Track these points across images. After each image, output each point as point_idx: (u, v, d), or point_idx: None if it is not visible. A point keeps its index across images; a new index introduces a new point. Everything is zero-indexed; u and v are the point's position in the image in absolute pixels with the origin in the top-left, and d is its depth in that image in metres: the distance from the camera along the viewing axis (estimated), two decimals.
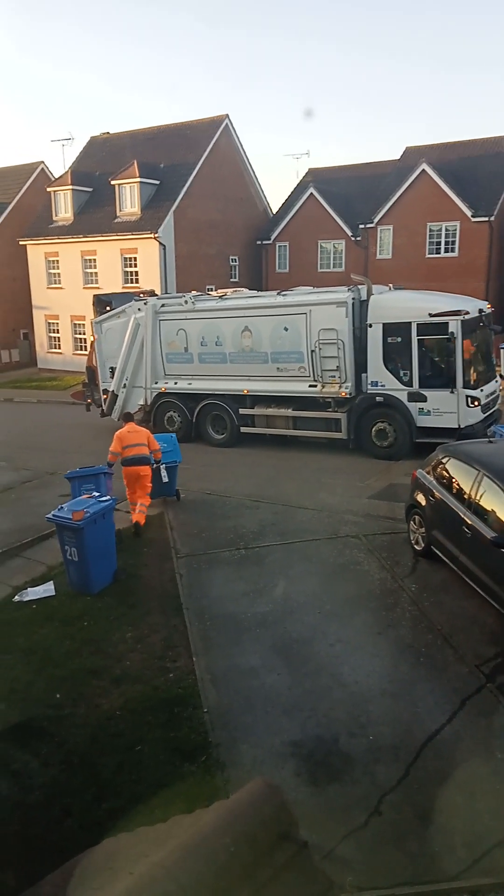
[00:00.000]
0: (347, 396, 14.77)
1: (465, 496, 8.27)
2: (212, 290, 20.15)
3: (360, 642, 7.40)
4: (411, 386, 14.11)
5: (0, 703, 6.58)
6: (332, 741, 5.88)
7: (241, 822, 2.41)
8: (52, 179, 34.01)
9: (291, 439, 15.93)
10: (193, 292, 17.98)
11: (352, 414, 14.79)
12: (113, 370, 18.08)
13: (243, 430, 16.29)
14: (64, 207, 31.36)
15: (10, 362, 34.82)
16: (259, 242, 32.31)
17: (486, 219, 26.61)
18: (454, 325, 13.47)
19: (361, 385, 14.76)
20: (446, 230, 27.18)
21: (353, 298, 14.64)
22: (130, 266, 29.26)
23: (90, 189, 31.40)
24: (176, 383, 17.23)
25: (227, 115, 30.97)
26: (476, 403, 13.71)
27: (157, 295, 19.58)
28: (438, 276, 24.27)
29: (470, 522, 7.96)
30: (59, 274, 31.83)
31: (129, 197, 29.16)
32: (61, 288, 31.75)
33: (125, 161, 30.01)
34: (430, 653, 7.14)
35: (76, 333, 31.57)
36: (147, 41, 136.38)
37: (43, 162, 36.22)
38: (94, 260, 30.34)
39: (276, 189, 76.09)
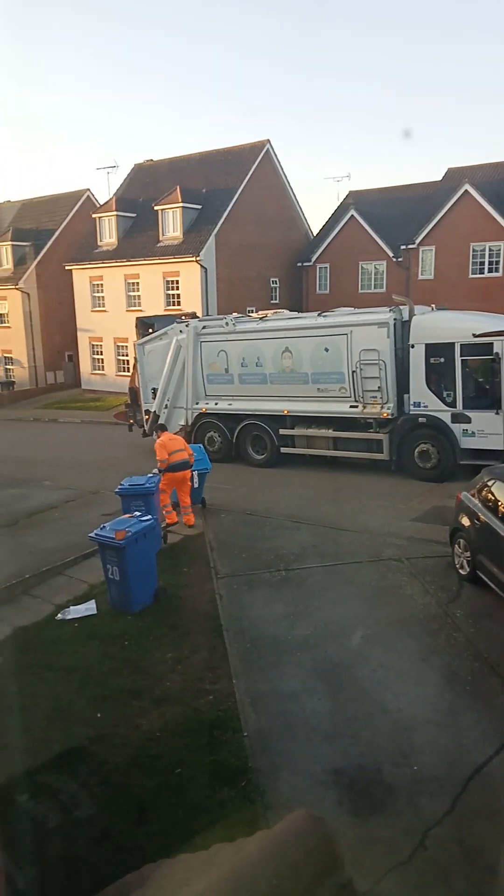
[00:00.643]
0: (389, 417, 14.64)
1: None
2: (252, 311, 20.30)
3: (404, 668, 7.23)
4: (455, 407, 13.93)
5: (42, 721, 6.61)
6: (375, 770, 5.73)
7: (285, 854, 2.34)
8: (98, 206, 34.82)
9: (332, 460, 15.83)
10: (234, 314, 18.13)
11: (394, 435, 14.65)
12: (155, 391, 18.28)
13: (283, 450, 16.26)
14: (108, 233, 32.05)
15: (55, 383, 35.53)
16: (299, 264, 32.46)
17: None
18: (499, 346, 13.28)
19: (404, 406, 14.63)
20: (490, 250, 26.92)
21: (394, 319, 14.57)
22: (172, 289, 29.67)
23: (134, 214, 32.05)
24: (216, 404, 17.32)
25: (269, 141, 31.39)
26: None
27: (198, 317, 19.79)
28: (482, 296, 24.00)
29: None
30: (103, 297, 32.46)
31: (172, 221, 29.66)
32: (105, 311, 32.35)
33: (168, 187, 30.59)
34: (477, 681, 6.93)
35: (119, 355, 32.05)
36: (190, 75, 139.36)
37: (89, 189, 37.21)
38: (137, 283, 30.86)
39: (316, 211, 76.76)
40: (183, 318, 19.00)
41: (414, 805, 5.33)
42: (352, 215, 30.57)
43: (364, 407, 14.93)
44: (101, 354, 33.11)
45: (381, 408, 14.70)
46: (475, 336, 13.56)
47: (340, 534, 11.41)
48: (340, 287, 30.83)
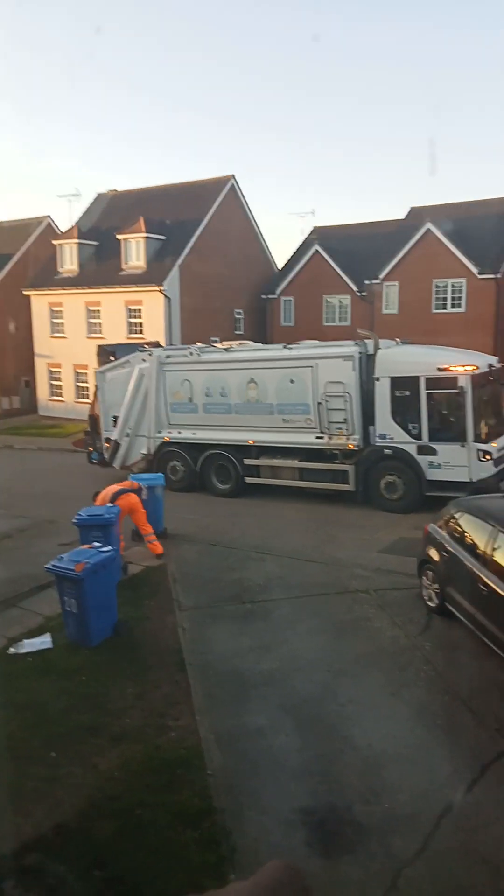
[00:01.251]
0: (355, 448, 14.64)
1: (480, 552, 8.02)
2: (216, 341, 20.27)
3: (373, 703, 7.05)
4: (420, 439, 14.00)
5: None
6: (345, 809, 5.52)
7: None
8: (58, 233, 34.65)
9: (297, 491, 15.73)
10: (198, 344, 18.06)
11: (360, 466, 14.64)
12: (116, 419, 18.02)
13: (248, 480, 16.11)
14: (70, 260, 31.87)
15: (10, 409, 34.83)
16: (264, 297, 32.75)
17: (493, 276, 27.04)
18: (463, 380, 13.45)
19: (369, 437, 14.66)
20: (452, 286, 27.57)
21: (359, 352, 14.67)
22: (135, 317, 29.57)
23: (96, 243, 31.99)
24: (180, 433, 17.13)
25: (233, 176, 31.83)
26: (488, 457, 13.56)
27: (161, 346, 19.68)
28: (445, 331, 24.46)
29: (486, 579, 7.70)
30: (62, 324, 32.15)
31: (136, 251, 29.68)
32: (64, 337, 32.01)
33: (131, 217, 30.66)
34: (448, 715, 6.80)
35: (78, 382, 31.68)
36: (153, 103, 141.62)
37: (49, 216, 36.97)
38: (99, 311, 30.69)
39: (281, 245, 77.90)
40: (146, 346, 18.88)
41: (385, 845, 5.14)
42: (316, 250, 31.06)
43: (330, 438, 14.92)
44: (60, 380, 32.67)
45: (347, 439, 14.70)
46: (440, 370, 13.71)
47: (307, 565, 11.25)
48: (305, 320, 31.15)
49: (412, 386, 14.02)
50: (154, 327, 28.54)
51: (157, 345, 19.75)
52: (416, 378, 13.96)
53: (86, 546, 9.22)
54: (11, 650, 8.42)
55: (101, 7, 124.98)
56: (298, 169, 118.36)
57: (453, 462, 13.63)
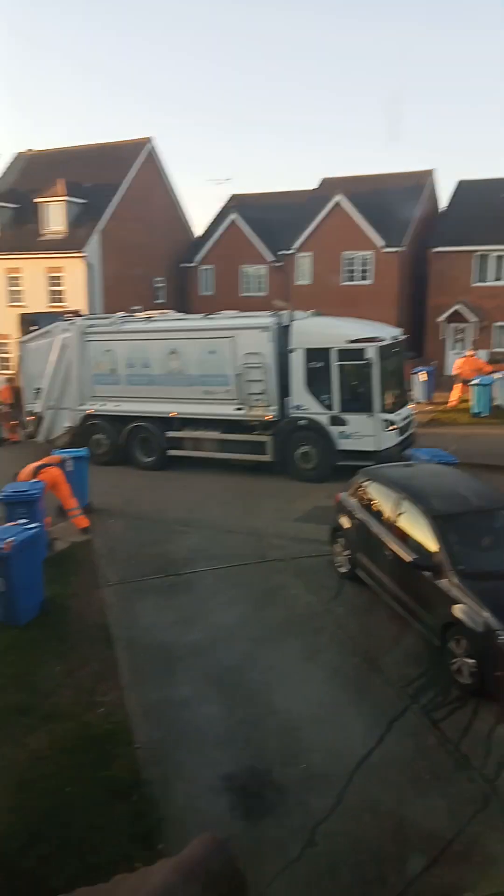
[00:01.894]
0: (272, 420, 14.98)
1: (386, 519, 8.54)
2: (138, 310, 20.07)
3: (291, 669, 7.49)
4: (332, 410, 14.45)
5: None
6: (266, 772, 5.91)
7: (189, 884, 2.41)
8: None
9: (219, 462, 15.98)
10: (121, 313, 17.85)
11: (277, 437, 14.99)
12: (39, 391, 17.71)
13: (171, 452, 16.22)
14: None
15: None
16: (183, 265, 32.44)
17: (397, 249, 27.81)
18: (371, 352, 13.92)
19: (285, 409, 15.00)
20: (362, 259, 28.22)
21: (276, 324, 14.89)
22: (56, 285, 28.77)
23: (15, 205, 30.73)
24: (104, 405, 16.99)
25: (151, 139, 31.10)
26: (392, 427, 14.18)
27: (83, 315, 19.33)
28: (354, 302, 25.00)
29: (391, 545, 8.22)
30: None
31: (55, 215, 28.79)
32: None
33: (50, 179, 29.56)
34: (358, 676, 7.31)
35: (1, 352, 30.69)
36: (69, 59, 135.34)
37: None
38: (19, 278, 29.68)
39: (200, 213, 76.59)
40: (68, 315, 18.49)
41: (303, 803, 5.56)
42: (233, 219, 30.96)
43: (249, 409, 15.18)
44: None
45: (265, 410, 15.00)
46: (350, 342, 14.13)
47: (228, 536, 11.59)
48: (223, 289, 31.14)
49: (324, 357, 14.39)
50: (76, 295, 27.89)
51: (78, 314, 19.37)
52: (328, 350, 14.33)
53: (11, 524, 9.20)
54: None
55: None
56: (216, 133, 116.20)
57: (362, 432, 14.16)
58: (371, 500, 9.10)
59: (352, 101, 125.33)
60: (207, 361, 15.51)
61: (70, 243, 28.18)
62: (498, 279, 28.16)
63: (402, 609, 8.06)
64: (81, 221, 28.67)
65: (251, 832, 5.29)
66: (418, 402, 20.84)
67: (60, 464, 11.98)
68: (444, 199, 32.54)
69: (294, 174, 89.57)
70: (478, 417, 20.69)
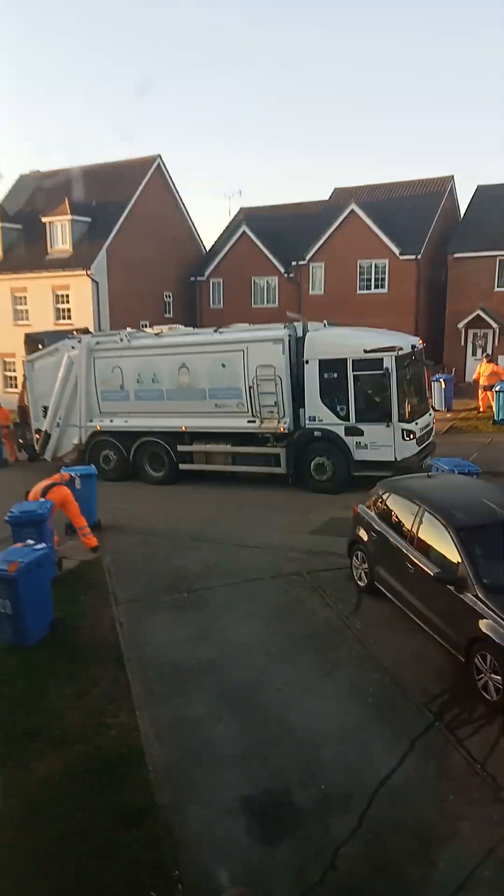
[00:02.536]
0: (286, 431, 14.81)
1: (407, 531, 8.32)
2: (146, 326, 20.06)
3: (308, 685, 7.26)
4: (348, 420, 14.27)
5: None
6: (284, 793, 5.69)
7: None
8: None
9: (231, 476, 15.83)
10: (129, 329, 17.82)
11: (290, 449, 14.82)
12: (46, 409, 17.68)
13: (182, 466, 16.10)
14: None
15: None
16: (193, 279, 32.51)
17: (414, 257, 27.61)
18: (388, 361, 13.74)
19: (300, 420, 14.84)
20: (376, 267, 28.07)
21: (289, 335, 14.77)
22: (62, 303, 28.96)
23: (20, 226, 31.07)
24: (112, 421, 16.93)
25: (160, 156, 31.35)
26: (412, 436, 13.97)
27: (90, 333, 19.33)
28: (369, 311, 24.90)
29: (412, 558, 7.99)
30: None
31: (61, 234, 29.00)
32: None
33: (56, 198, 29.86)
34: (378, 693, 7.05)
35: (6, 371, 30.88)
36: (73, 82, 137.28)
37: None
38: (25, 297, 29.87)
39: (209, 227, 77.19)
40: (75, 333, 18.51)
41: (323, 825, 5.34)
42: (244, 231, 30.99)
43: (261, 422, 15.03)
44: None
45: (278, 422, 14.85)
46: (366, 352, 13.97)
47: (241, 550, 11.37)
48: (234, 302, 31.14)
49: (340, 368, 14.24)
50: (82, 313, 28.03)
51: (86, 331, 19.37)
52: (344, 360, 14.19)
53: (19, 544, 9.09)
54: None
55: None
56: (226, 148, 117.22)
57: (379, 442, 13.97)
58: (391, 512, 8.88)
59: (362, 113, 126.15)
60: (218, 375, 15.41)
61: (76, 261, 28.37)
62: None
63: (424, 624, 7.82)
64: (88, 239, 28.89)
65: (270, 856, 5.07)
66: (437, 410, 20.54)
67: (69, 482, 11.87)
68: (463, 204, 32.47)
69: (304, 187, 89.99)
70: (499, 425, 20.26)
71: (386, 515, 8.97)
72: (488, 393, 21.84)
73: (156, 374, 16.17)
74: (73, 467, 13.52)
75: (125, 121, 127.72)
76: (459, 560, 7.24)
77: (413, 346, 14.88)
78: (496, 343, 27.97)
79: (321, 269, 29.06)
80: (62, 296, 28.90)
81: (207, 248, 34.47)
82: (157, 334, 16.99)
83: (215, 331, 16.24)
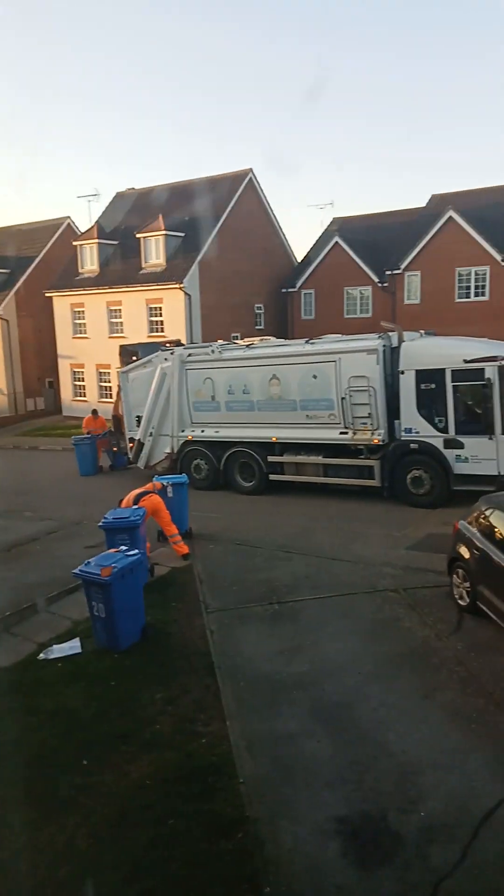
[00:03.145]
0: (380, 443, 14.46)
1: None
2: (237, 338, 20.20)
3: (406, 707, 6.92)
4: (447, 432, 13.79)
5: (25, 769, 6.22)
6: (381, 818, 5.40)
7: None
8: (78, 234, 34.75)
9: (322, 487, 15.59)
10: (220, 341, 17.98)
11: (385, 461, 14.45)
12: (139, 419, 18.04)
13: (272, 477, 16.01)
14: (90, 260, 31.95)
15: (35, 410, 35.13)
16: (284, 290, 32.55)
17: None
18: (490, 371, 13.19)
19: (395, 432, 14.47)
20: (476, 274, 27.14)
21: (383, 346, 14.46)
22: (156, 316, 29.59)
23: (115, 242, 32.04)
24: (203, 431, 17.09)
25: (251, 170, 31.62)
26: None
27: (183, 345, 19.63)
28: (468, 320, 24.10)
29: None
30: (84, 324, 32.29)
31: (155, 249, 29.68)
32: (87, 338, 32.15)
33: (150, 215, 30.65)
34: (483, 719, 6.63)
35: (101, 382, 31.79)
36: (169, 103, 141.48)
37: (69, 217, 37.15)
38: (120, 310, 30.75)
39: (300, 238, 77.39)
40: (167, 345, 18.84)
41: (423, 855, 5.02)
42: (336, 241, 30.76)
43: (354, 433, 14.74)
44: (83, 381, 32.83)
45: (372, 434, 14.52)
46: (466, 362, 13.47)
47: (334, 564, 11.12)
48: (326, 312, 30.91)
49: (438, 379, 13.79)
50: (175, 325, 28.53)
51: (178, 343, 19.70)
52: (442, 370, 13.74)
53: (112, 550, 9.20)
54: (41, 656, 8.42)
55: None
56: (319, 159, 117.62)
57: (481, 455, 13.41)
58: (494, 529, 8.43)
59: (461, 121, 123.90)
60: (310, 386, 15.25)
61: (169, 275, 28.92)
62: None
63: None
64: (181, 254, 29.42)
65: (365, 883, 4.80)
66: None
67: (161, 490, 11.97)
68: None
69: (398, 196, 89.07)
70: None
71: (489, 532, 8.51)
72: None
73: (247, 386, 16.20)
74: (166, 476, 13.66)
75: (217, 135, 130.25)
76: None
77: None
78: None
79: (417, 278, 28.36)
80: (155, 308, 29.54)
81: (298, 260, 34.48)
82: (248, 346, 17.05)
83: (307, 342, 16.11)
